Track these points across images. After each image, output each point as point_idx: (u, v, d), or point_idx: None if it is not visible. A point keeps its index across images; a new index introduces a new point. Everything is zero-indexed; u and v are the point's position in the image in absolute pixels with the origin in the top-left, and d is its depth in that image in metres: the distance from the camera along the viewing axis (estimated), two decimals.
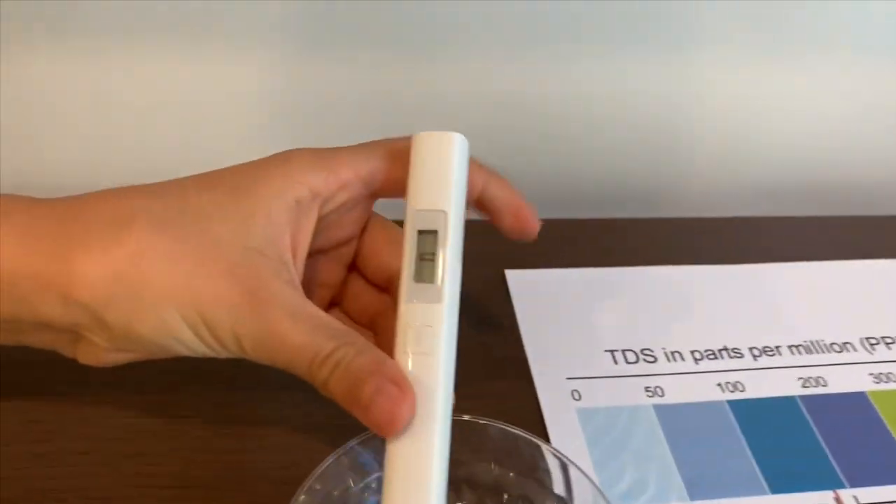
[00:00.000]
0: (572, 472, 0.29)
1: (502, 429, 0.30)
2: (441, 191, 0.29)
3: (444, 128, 0.30)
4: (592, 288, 0.45)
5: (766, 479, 0.36)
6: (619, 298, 0.45)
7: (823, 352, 0.43)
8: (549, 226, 0.52)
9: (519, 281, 0.45)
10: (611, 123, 0.54)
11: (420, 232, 0.29)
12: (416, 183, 0.29)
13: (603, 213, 0.53)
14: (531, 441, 0.30)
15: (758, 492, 0.36)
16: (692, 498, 0.35)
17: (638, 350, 0.42)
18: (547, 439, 0.37)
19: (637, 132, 0.54)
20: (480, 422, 0.30)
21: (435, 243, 0.28)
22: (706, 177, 0.57)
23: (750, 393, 0.40)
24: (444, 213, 0.29)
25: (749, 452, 0.38)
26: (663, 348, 0.42)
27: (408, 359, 0.28)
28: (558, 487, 0.30)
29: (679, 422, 0.39)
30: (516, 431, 0.30)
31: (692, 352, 0.42)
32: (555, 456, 0.29)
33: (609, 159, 0.55)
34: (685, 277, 0.47)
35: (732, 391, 0.41)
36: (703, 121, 0.55)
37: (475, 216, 0.51)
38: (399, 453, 0.26)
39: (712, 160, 0.56)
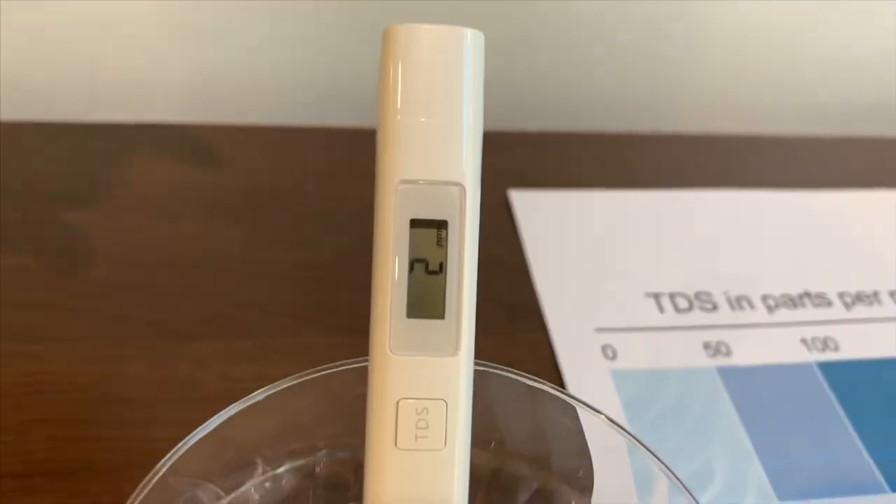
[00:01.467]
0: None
1: (513, 379, 0.18)
2: (453, 143, 0.15)
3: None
4: (624, 214, 0.34)
5: (883, 472, 0.26)
6: (659, 227, 0.34)
7: None
8: (564, 140, 0.41)
9: (527, 204, 0.34)
10: (633, 20, 0.42)
11: (415, 223, 0.15)
12: (398, 123, 0.15)
13: (628, 125, 0.42)
14: (558, 397, 0.18)
15: (872, 489, 0.25)
16: (781, 497, 0.25)
17: (691, 294, 0.31)
18: None
19: (665, 31, 0.43)
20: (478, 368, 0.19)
21: (445, 244, 0.15)
22: (753, 88, 0.45)
23: (846, 353, 0.30)
24: (461, 187, 0.15)
25: (854, 433, 0.27)
26: (725, 292, 0.31)
27: (401, 459, 0.16)
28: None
29: (752, 392, 0.28)
30: (533, 383, 0.18)
31: (763, 297, 0.31)
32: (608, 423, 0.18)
33: (632, 63, 0.43)
34: (743, 203, 0.35)
35: (822, 349, 0.30)
36: (753, 23, 0.44)
37: None
38: None
39: (760, 69, 0.45)
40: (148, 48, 0.38)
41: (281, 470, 0.17)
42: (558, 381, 0.27)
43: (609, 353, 0.28)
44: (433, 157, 0.15)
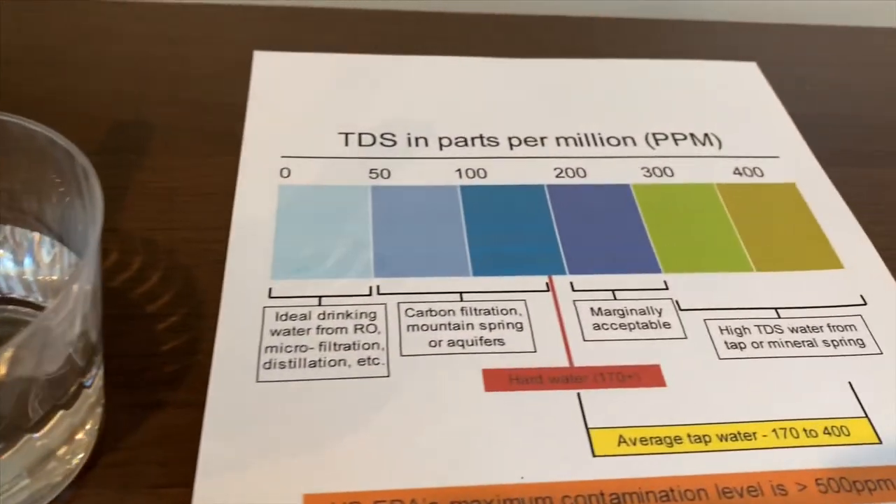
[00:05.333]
0: None
1: None
2: None
3: None
4: (355, 74, 0.40)
5: (473, 261, 0.32)
6: (383, 86, 0.40)
7: (599, 144, 0.38)
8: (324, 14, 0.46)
9: (267, 63, 0.40)
10: None
11: None
12: None
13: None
14: None
15: (461, 272, 0.31)
16: (377, 274, 0.31)
17: (378, 134, 0.37)
18: (230, 211, 0.33)
19: None
20: None
21: None
22: None
23: (491, 180, 0.35)
24: None
25: (465, 237, 0.33)
26: (408, 133, 0.37)
27: None
28: None
29: (395, 204, 0.34)
30: None
31: (440, 138, 0.37)
32: None
33: None
34: (465, 68, 0.41)
35: (472, 177, 0.35)
36: None
37: None
38: None
39: None
40: None
41: None
42: (232, 190, 0.34)
43: (285, 173, 0.35)
44: None
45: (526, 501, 0.25)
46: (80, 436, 0.23)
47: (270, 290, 0.30)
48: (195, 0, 0.44)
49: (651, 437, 0.27)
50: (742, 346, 0.30)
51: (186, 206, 0.33)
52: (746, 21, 0.49)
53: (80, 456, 0.24)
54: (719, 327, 0.30)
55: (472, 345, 0.29)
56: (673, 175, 0.36)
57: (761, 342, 0.30)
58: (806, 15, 0.51)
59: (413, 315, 0.30)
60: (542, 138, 0.38)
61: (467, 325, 0.30)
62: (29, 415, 0.21)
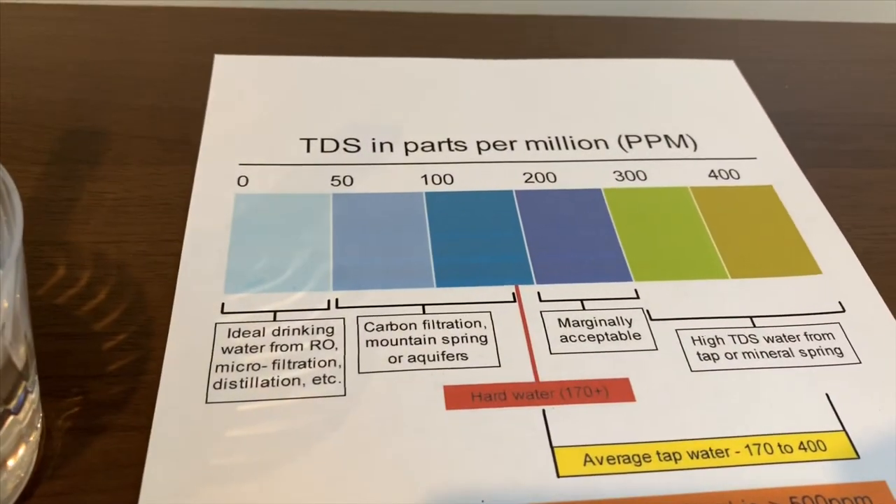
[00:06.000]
0: None
1: None
2: None
3: None
4: (318, 78, 0.39)
5: (437, 273, 0.30)
6: (347, 90, 0.38)
7: (570, 148, 0.36)
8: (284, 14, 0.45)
9: (228, 67, 0.39)
10: None
11: None
12: None
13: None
14: None
15: (425, 284, 0.30)
16: (336, 287, 0.30)
17: (341, 139, 0.36)
18: (184, 222, 0.31)
19: None
20: None
21: None
22: None
23: (458, 186, 0.34)
24: None
25: (429, 246, 0.31)
26: (373, 138, 0.36)
27: None
28: None
29: (357, 213, 0.32)
30: None
31: (406, 143, 0.36)
32: None
33: None
34: (432, 70, 0.40)
35: (438, 183, 0.34)
36: None
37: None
38: None
39: None
40: None
41: None
42: (187, 200, 0.32)
43: (243, 181, 0.33)
44: None
45: None
46: (10, 465, 0.22)
47: (223, 305, 0.29)
48: (153, 3, 0.43)
49: (619, 456, 0.25)
50: (715, 357, 0.29)
51: (139, 217, 0.32)
52: (723, 18, 0.48)
53: (12, 487, 0.22)
54: (692, 338, 0.29)
55: (434, 360, 0.28)
56: (646, 179, 0.35)
57: (735, 353, 0.29)
58: (785, 12, 0.50)
59: (372, 329, 0.28)
60: (511, 142, 0.36)
61: (429, 339, 0.28)
62: None
